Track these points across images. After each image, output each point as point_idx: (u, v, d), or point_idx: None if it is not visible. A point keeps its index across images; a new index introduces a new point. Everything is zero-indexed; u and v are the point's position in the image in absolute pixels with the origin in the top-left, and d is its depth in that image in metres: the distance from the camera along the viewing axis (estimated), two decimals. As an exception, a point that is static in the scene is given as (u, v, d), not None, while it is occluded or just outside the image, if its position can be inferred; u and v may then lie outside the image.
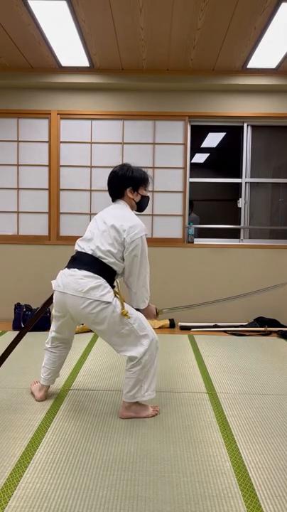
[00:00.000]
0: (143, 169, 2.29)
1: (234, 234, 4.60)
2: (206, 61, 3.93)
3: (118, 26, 3.31)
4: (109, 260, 2.05)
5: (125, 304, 2.08)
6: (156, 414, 2.15)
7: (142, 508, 1.44)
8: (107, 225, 2.09)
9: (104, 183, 4.35)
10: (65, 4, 2.99)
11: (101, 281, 2.03)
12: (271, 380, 2.71)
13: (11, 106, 4.40)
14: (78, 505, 1.45)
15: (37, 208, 4.50)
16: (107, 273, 2.07)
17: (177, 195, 4.45)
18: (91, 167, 4.44)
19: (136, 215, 2.22)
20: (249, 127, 4.49)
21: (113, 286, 2.11)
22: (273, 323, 4.18)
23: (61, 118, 4.41)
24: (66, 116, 4.41)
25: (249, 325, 4.18)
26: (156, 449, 1.82)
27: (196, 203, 5.62)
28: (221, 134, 5.80)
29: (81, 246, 2.14)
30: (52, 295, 2.24)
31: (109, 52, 3.76)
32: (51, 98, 4.38)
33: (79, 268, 2.06)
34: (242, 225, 4.55)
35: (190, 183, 4.50)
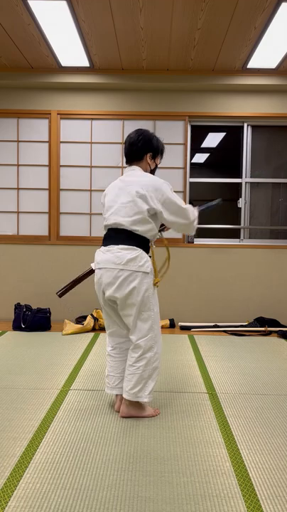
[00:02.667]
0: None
1: (234, 234, 4.60)
2: (206, 61, 3.94)
3: (118, 26, 3.31)
4: (141, 230, 2.05)
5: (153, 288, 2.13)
6: (157, 415, 2.15)
7: (142, 508, 1.44)
8: (131, 195, 2.06)
9: (104, 183, 4.41)
10: (64, 4, 3.00)
11: (139, 251, 2.05)
12: (271, 380, 2.71)
13: (11, 106, 4.40)
14: (78, 505, 1.45)
15: (37, 208, 4.50)
16: (142, 243, 2.07)
17: (178, 195, 4.44)
18: (91, 167, 4.43)
19: None
20: (249, 127, 4.49)
21: (149, 256, 2.13)
22: (273, 323, 4.18)
23: (61, 118, 4.41)
24: (66, 116, 4.41)
25: (249, 325, 4.17)
26: (156, 449, 1.82)
27: (196, 203, 5.61)
28: (221, 134, 5.78)
29: (109, 222, 2.12)
30: (90, 271, 2.32)
31: (109, 52, 3.76)
32: (51, 98, 4.38)
33: (115, 243, 2.07)
34: (242, 225, 4.55)
35: (190, 183, 4.50)
